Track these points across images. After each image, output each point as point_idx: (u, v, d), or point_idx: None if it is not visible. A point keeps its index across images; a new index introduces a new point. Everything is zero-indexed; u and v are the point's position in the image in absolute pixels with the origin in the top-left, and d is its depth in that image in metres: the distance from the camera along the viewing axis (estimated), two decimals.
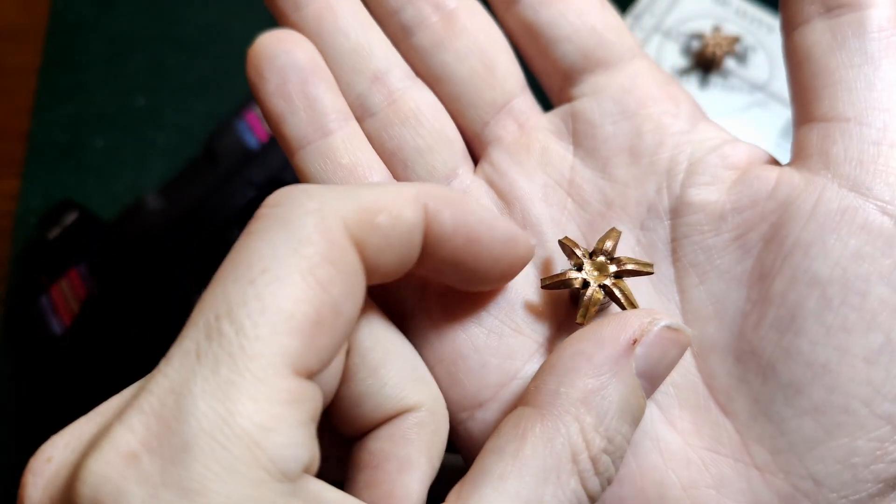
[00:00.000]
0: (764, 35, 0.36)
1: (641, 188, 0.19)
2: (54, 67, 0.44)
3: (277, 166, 0.38)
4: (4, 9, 0.46)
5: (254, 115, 0.39)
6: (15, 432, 0.38)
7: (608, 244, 0.18)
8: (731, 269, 0.18)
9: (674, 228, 0.19)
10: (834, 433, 0.16)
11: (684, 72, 0.38)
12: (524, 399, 0.16)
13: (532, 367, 0.18)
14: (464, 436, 0.18)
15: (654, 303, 0.19)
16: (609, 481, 0.16)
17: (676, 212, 0.19)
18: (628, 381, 0.16)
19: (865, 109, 0.17)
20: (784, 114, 0.34)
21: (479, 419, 0.18)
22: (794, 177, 0.18)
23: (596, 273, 0.18)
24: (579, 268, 0.18)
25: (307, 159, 0.20)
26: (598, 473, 0.15)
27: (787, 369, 0.17)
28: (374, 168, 0.20)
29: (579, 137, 0.20)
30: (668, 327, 0.16)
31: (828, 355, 0.16)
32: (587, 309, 0.18)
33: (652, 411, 0.18)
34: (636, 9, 0.40)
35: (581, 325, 0.18)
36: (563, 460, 0.15)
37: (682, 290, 0.19)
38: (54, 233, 0.37)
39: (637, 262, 0.18)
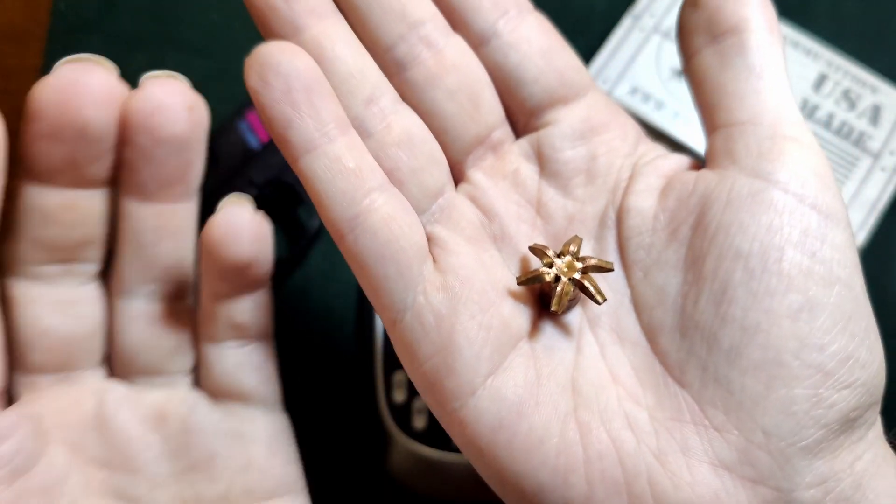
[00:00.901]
0: None
1: (596, 204, 0.22)
2: None
3: (278, 167, 0.38)
4: (6, 10, 0.46)
5: (255, 115, 0.39)
6: None
7: (573, 247, 0.21)
8: (668, 260, 0.21)
9: (619, 234, 0.22)
10: (773, 386, 0.19)
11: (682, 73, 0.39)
12: None
13: (515, 357, 0.20)
14: (457, 424, 0.20)
15: (610, 300, 0.22)
16: None
17: (620, 220, 0.22)
18: None
19: (757, 112, 0.21)
20: None
21: (472, 406, 0.20)
22: (708, 175, 0.21)
23: (565, 269, 0.21)
24: (550, 265, 0.21)
25: (314, 163, 0.21)
26: None
27: (726, 336, 0.19)
28: (376, 172, 0.21)
29: (544, 162, 0.23)
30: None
31: (758, 318, 0.19)
32: (560, 299, 0.20)
33: (618, 392, 0.20)
34: (636, 9, 0.40)
35: (555, 312, 0.20)
36: None
37: (631, 286, 0.21)
38: None
39: (599, 260, 0.21)
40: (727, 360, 0.19)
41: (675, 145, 0.38)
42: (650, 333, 0.21)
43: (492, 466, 0.20)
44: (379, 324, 0.37)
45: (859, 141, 0.37)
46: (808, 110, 0.34)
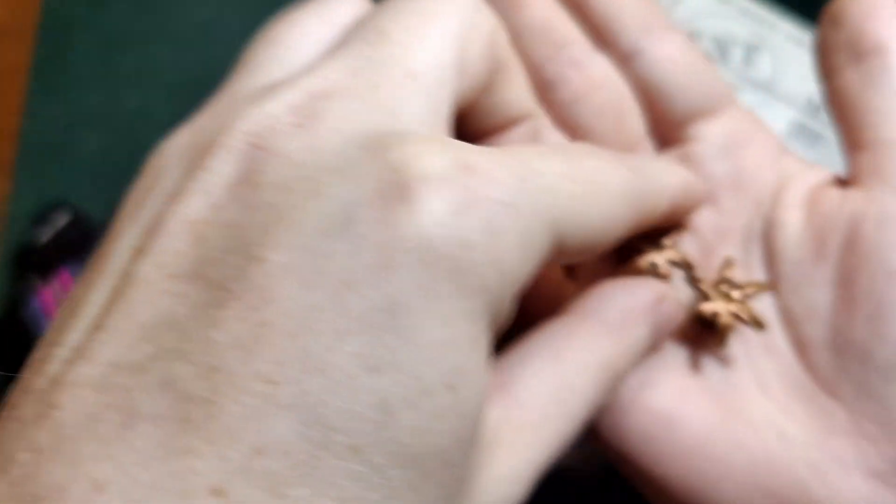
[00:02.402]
0: (767, 34, 0.35)
1: (742, 217, 0.23)
2: (45, 66, 0.44)
3: None
4: None
5: None
6: None
7: (728, 273, 0.21)
8: (817, 277, 0.21)
9: (767, 247, 0.22)
10: None
11: None
12: (570, 311, 0.19)
13: (661, 372, 0.21)
14: (605, 437, 0.21)
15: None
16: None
17: (768, 233, 0.22)
18: (646, 332, 0.19)
19: None
20: (788, 114, 0.34)
21: (619, 421, 0.20)
22: (856, 195, 0.21)
23: (722, 302, 0.21)
24: (706, 298, 0.21)
25: None
26: (611, 391, 0.19)
27: (881, 354, 0.19)
28: None
29: None
30: (677, 302, 0.20)
31: None
32: (722, 336, 0.21)
33: (770, 406, 0.21)
34: None
35: (719, 348, 0.21)
36: (599, 368, 0.18)
37: (779, 300, 0.22)
38: (47, 234, 0.37)
39: (755, 285, 0.21)
40: (883, 376, 0.20)
41: None
42: (800, 347, 0.21)
43: (642, 474, 0.20)
44: None
45: None
46: (814, 109, 0.34)
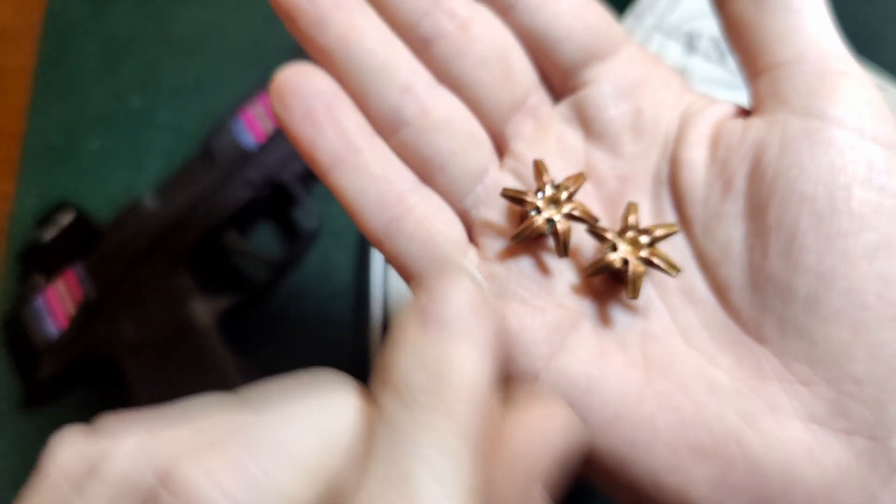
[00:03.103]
0: None
1: (647, 160, 0.22)
2: (49, 69, 0.44)
3: (274, 166, 0.38)
4: None
5: (250, 115, 0.38)
6: (12, 436, 0.37)
7: (632, 219, 0.20)
8: (727, 213, 0.20)
9: (674, 189, 0.21)
10: (860, 331, 0.18)
11: (684, 72, 0.38)
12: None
13: (576, 336, 0.20)
14: None
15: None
16: None
17: (673, 174, 0.21)
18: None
19: (801, 50, 0.20)
20: None
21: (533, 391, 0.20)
22: (757, 122, 0.20)
23: (630, 248, 0.20)
24: (614, 248, 0.20)
25: (342, 177, 0.21)
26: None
27: (801, 285, 0.18)
28: (405, 174, 0.22)
29: (588, 122, 0.22)
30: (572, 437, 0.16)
31: (833, 262, 0.18)
32: (634, 284, 0.19)
33: (696, 357, 0.19)
34: (637, 8, 0.40)
35: (634, 298, 0.19)
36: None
37: (693, 244, 0.20)
38: (50, 234, 0.37)
39: (663, 227, 0.20)
40: (806, 310, 0.18)
41: None
42: (719, 291, 0.20)
43: None
44: (375, 326, 0.36)
45: None
46: None
